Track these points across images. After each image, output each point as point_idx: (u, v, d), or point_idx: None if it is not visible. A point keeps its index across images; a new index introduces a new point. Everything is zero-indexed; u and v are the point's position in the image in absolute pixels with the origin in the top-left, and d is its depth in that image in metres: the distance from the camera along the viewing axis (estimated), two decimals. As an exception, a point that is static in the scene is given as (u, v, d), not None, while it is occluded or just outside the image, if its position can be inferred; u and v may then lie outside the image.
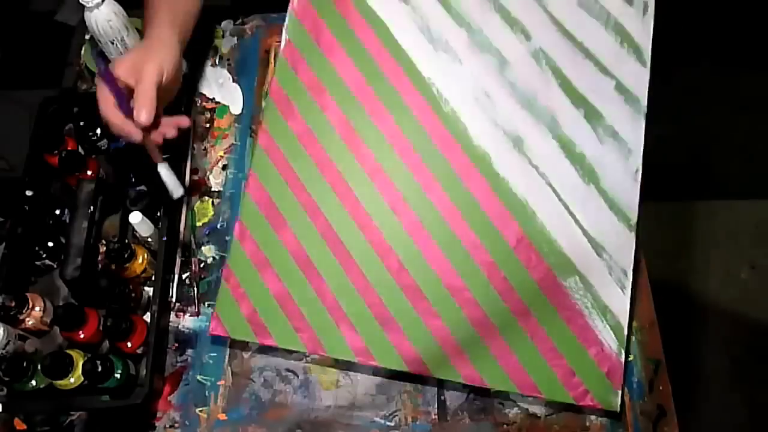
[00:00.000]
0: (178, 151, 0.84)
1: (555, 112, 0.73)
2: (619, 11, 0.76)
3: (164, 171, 0.70)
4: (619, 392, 0.66)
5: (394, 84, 0.76)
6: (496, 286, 0.69)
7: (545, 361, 0.67)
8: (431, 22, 0.78)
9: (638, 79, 0.74)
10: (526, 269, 0.69)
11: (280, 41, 0.82)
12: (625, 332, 0.68)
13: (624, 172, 0.71)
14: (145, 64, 0.67)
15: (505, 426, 0.70)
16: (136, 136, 0.66)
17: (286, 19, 0.82)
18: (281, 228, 0.73)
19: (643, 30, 0.75)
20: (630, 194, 0.71)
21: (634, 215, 0.70)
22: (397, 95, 0.76)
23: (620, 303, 0.68)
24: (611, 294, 0.68)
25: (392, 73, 0.76)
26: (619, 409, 0.66)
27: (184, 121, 0.72)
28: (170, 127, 0.71)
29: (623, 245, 0.69)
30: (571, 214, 0.71)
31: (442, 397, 0.72)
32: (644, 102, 0.73)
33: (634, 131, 0.72)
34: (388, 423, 0.71)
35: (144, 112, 0.65)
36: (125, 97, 0.67)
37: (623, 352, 0.67)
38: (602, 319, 0.68)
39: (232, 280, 0.73)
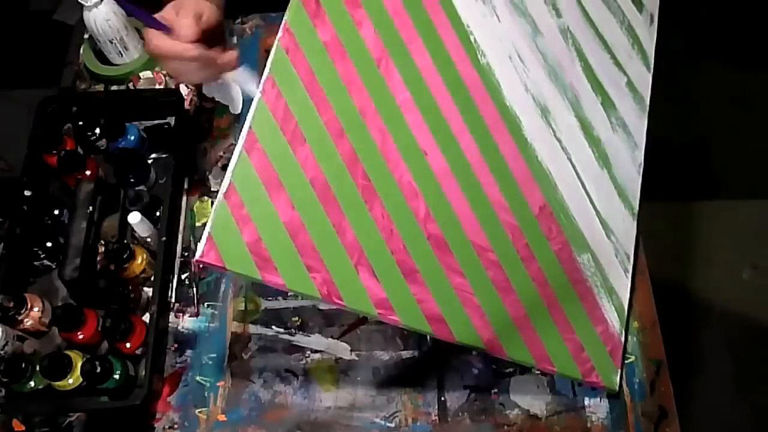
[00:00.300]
0: (179, 149, 0.84)
1: (577, 91, 0.76)
2: (631, 15, 0.81)
3: (241, 75, 0.69)
4: (619, 372, 0.69)
5: (433, 19, 0.71)
6: (519, 251, 0.68)
7: (559, 334, 0.68)
8: None
9: (643, 81, 0.79)
10: (547, 239, 0.70)
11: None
12: (626, 315, 0.71)
13: (631, 164, 0.76)
14: (183, 1, 0.66)
15: (505, 427, 0.70)
16: (191, 49, 0.64)
17: None
18: (299, 145, 0.62)
19: (649, 38, 0.81)
20: (634, 185, 0.76)
21: (636, 205, 0.76)
22: (436, 33, 0.71)
23: (623, 285, 0.72)
24: (616, 275, 0.72)
25: (431, 7, 0.71)
26: (618, 389, 0.69)
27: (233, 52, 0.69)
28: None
29: (627, 231, 0.74)
30: (587, 192, 0.73)
31: (443, 398, 0.72)
32: (647, 103, 0.79)
33: (639, 128, 0.78)
34: (388, 424, 0.71)
35: (184, 28, 0.63)
36: (169, 27, 0.64)
37: (624, 333, 0.70)
38: (609, 299, 0.71)
39: (234, 198, 0.59)
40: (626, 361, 0.72)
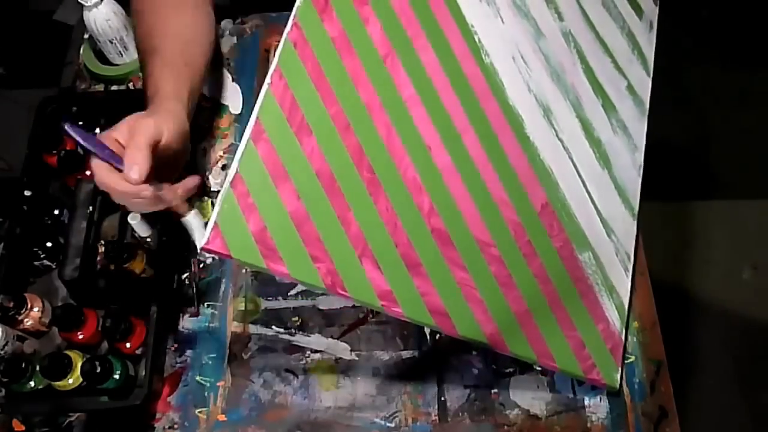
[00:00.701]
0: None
1: (578, 93, 0.76)
2: (631, 20, 0.83)
3: (194, 220, 0.66)
4: (620, 370, 0.70)
5: (438, 18, 0.72)
6: (521, 247, 0.69)
7: (561, 330, 0.68)
8: None
9: (643, 85, 0.81)
10: (548, 236, 0.70)
11: (279, 41, 0.82)
12: (626, 313, 0.72)
13: (631, 165, 0.77)
14: (140, 120, 0.60)
15: (505, 427, 0.70)
16: (141, 189, 0.59)
17: None
18: (305, 137, 0.62)
19: (648, 43, 0.83)
20: (634, 186, 0.77)
21: (636, 206, 0.76)
22: (441, 32, 0.71)
23: (624, 284, 0.73)
24: (617, 274, 0.72)
25: (437, 7, 0.72)
26: (618, 387, 0.69)
27: (191, 181, 0.66)
28: (178, 191, 0.65)
29: (628, 231, 0.75)
30: (588, 192, 0.73)
31: (443, 398, 0.72)
32: (647, 107, 0.80)
33: (639, 131, 0.79)
34: (388, 424, 0.71)
35: (135, 169, 0.56)
36: (120, 159, 0.59)
37: (624, 331, 0.71)
38: (609, 297, 0.71)
39: (241, 188, 0.59)
40: (626, 361, 0.72)
